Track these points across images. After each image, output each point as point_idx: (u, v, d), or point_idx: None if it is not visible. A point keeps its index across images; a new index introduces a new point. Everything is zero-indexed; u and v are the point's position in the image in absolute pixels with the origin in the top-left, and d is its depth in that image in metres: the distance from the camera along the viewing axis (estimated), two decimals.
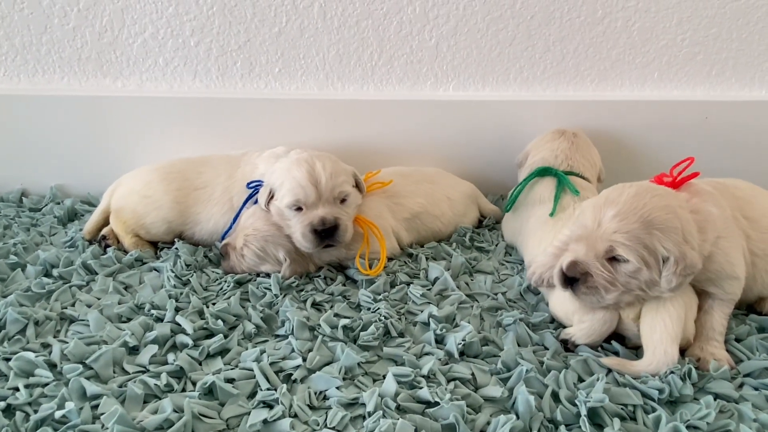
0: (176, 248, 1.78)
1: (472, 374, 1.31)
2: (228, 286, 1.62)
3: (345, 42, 1.97)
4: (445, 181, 1.95)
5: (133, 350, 1.37)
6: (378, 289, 1.60)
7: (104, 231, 1.84)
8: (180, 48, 1.97)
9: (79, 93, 2.00)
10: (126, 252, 1.79)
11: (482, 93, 2.05)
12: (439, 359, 1.34)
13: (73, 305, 1.53)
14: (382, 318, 1.45)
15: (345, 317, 1.49)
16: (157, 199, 1.81)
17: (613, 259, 1.33)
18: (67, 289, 1.58)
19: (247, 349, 1.38)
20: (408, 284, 1.64)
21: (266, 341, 1.44)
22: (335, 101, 2.03)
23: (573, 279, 1.36)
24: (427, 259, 1.75)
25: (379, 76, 2.03)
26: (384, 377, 1.30)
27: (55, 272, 1.65)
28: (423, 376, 1.28)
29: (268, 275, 1.69)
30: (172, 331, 1.42)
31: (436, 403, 1.20)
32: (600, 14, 1.94)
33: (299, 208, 1.62)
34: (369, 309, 1.53)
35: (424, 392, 1.22)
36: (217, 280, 1.68)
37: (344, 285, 1.66)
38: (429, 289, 1.61)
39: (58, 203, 2.08)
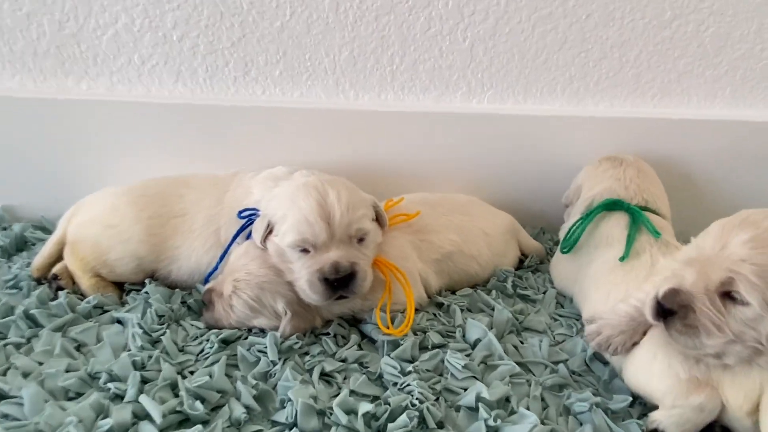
0: (146, 293, 1.41)
1: None
2: (211, 347, 1.26)
3: (361, 41, 1.63)
4: (480, 211, 1.61)
5: None
6: (404, 354, 1.24)
7: (56, 269, 1.47)
8: (160, 43, 1.62)
9: (35, 95, 1.63)
10: (82, 297, 1.42)
11: (523, 106, 1.72)
12: None
13: (4, 374, 1.16)
14: (416, 401, 1.10)
15: (364, 397, 1.14)
16: (125, 229, 1.44)
17: (728, 297, 1.01)
18: (1, 349, 1.21)
19: None
20: (441, 347, 1.29)
21: (261, 431, 1.07)
22: (347, 112, 1.68)
23: (669, 311, 1.04)
24: (462, 311, 1.40)
25: (400, 83, 1.69)
26: None
27: None
28: None
29: (262, 331, 1.33)
30: (134, 416, 1.05)
31: None
32: (669, 16, 1.62)
33: (305, 250, 1.26)
34: (395, 385, 1.17)
35: None
36: (196, 337, 1.31)
37: (360, 347, 1.30)
38: (468, 355, 1.26)
39: (4, 228, 1.70)
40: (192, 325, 1.35)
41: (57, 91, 1.65)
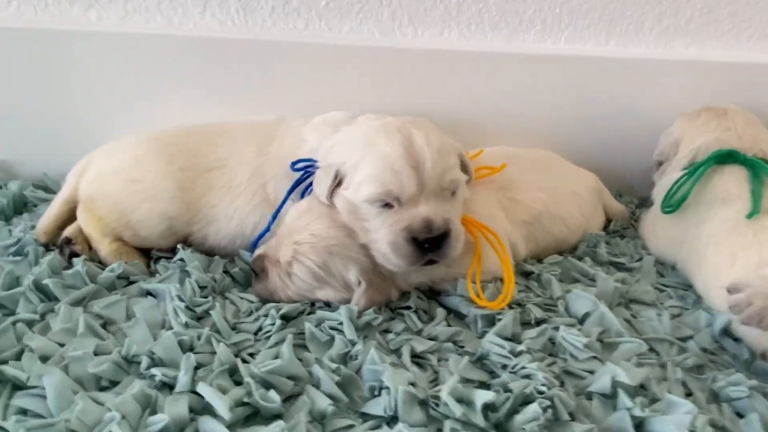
0: (181, 260, 1.17)
1: None
2: (272, 324, 1.03)
3: None
4: (564, 168, 1.40)
5: None
6: (505, 331, 1.03)
7: (68, 231, 1.21)
8: None
9: (35, 26, 1.36)
10: (102, 265, 1.17)
11: (605, 48, 1.50)
12: None
13: (18, 358, 0.91)
14: (542, 388, 0.88)
15: (476, 384, 0.92)
16: (151, 184, 1.20)
17: None
18: (9, 327, 0.96)
19: None
20: (542, 322, 1.08)
21: (351, 426, 0.86)
22: (404, 51, 1.44)
23: None
24: (560, 281, 1.19)
25: (466, 19, 1.45)
26: None
27: None
28: None
29: (327, 305, 1.10)
30: (191, 410, 0.82)
31: None
32: None
33: (388, 204, 1.03)
34: (504, 368, 0.96)
35: None
36: (250, 312, 1.08)
37: (448, 323, 1.08)
38: (580, 330, 1.05)
39: (0, 187, 1.43)
40: (242, 298, 1.12)
41: (61, 21, 1.37)
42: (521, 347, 0.98)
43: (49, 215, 1.25)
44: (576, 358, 0.99)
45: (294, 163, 1.17)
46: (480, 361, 0.99)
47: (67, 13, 1.37)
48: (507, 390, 0.88)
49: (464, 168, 1.13)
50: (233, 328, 1.03)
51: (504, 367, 0.96)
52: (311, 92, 1.43)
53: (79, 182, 1.24)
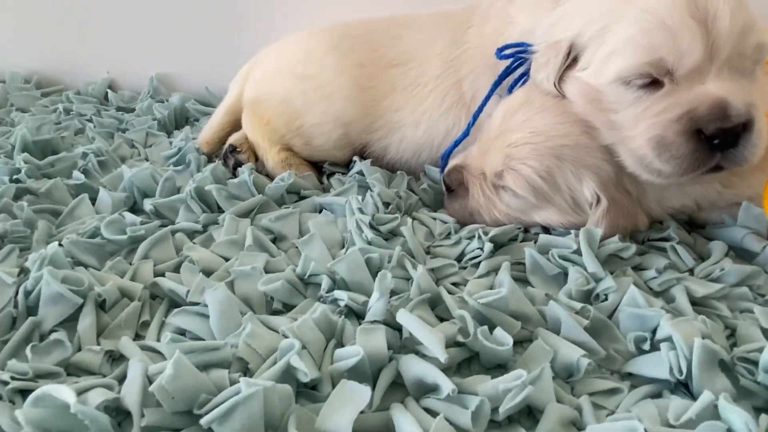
0: (359, 172, 0.95)
1: None
2: (478, 247, 0.77)
3: None
4: None
5: (306, 388, 0.56)
6: None
7: (233, 139, 1.05)
8: None
9: None
10: (270, 176, 1.00)
11: None
12: None
13: (176, 270, 0.75)
14: None
15: None
16: (326, 82, 0.99)
17: None
18: (168, 236, 0.81)
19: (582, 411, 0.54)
20: None
21: (616, 391, 0.58)
22: None
23: None
24: None
25: None
26: None
27: (147, 204, 0.88)
28: None
29: (546, 231, 0.82)
30: (390, 348, 0.60)
31: None
32: None
33: (655, 82, 0.72)
34: None
35: None
36: (448, 233, 0.83)
37: (731, 259, 0.76)
38: None
39: (161, 101, 1.32)
40: (434, 219, 0.87)
41: None
42: None
43: (212, 124, 1.11)
44: None
45: (501, 50, 0.89)
46: None
47: None
48: None
49: None
50: (428, 253, 0.80)
51: None
52: None
53: (244, 86, 1.08)
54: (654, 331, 0.62)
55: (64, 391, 0.51)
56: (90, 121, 1.21)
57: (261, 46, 1.16)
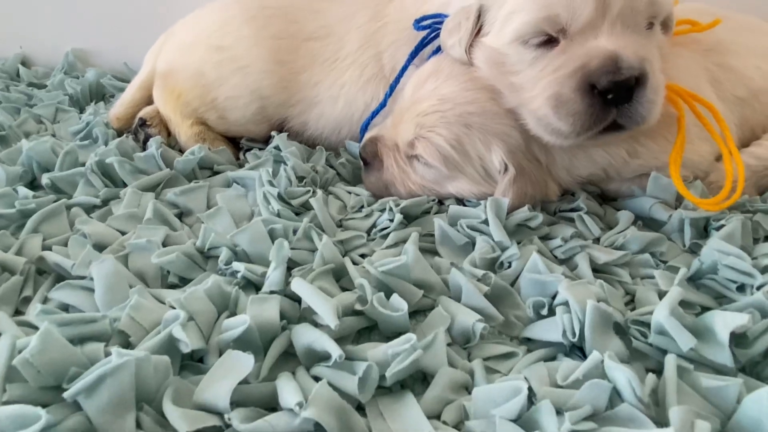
0: (276, 148, 0.93)
1: None
2: (389, 219, 0.76)
3: None
4: None
5: (192, 360, 0.54)
6: (732, 240, 0.69)
7: (143, 113, 1.01)
8: None
9: None
10: (181, 150, 0.96)
11: None
12: None
13: (67, 243, 0.71)
14: None
15: (697, 310, 0.61)
16: (242, 53, 0.96)
17: None
18: (62, 210, 0.76)
19: (474, 375, 0.53)
20: None
21: (512, 355, 0.57)
22: None
23: None
24: None
25: None
26: None
27: (45, 179, 0.83)
28: None
29: (462, 203, 0.81)
30: (283, 317, 0.57)
31: None
32: None
33: (550, 40, 0.71)
34: (741, 290, 0.63)
35: None
36: (360, 206, 0.82)
37: (638, 227, 0.76)
38: None
39: (76, 77, 1.26)
40: (349, 193, 0.85)
41: None
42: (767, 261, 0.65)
43: (123, 99, 1.06)
44: None
45: (418, 21, 0.88)
46: (695, 281, 0.67)
47: None
48: (766, 315, 0.56)
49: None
50: (339, 226, 0.78)
51: (741, 289, 0.63)
52: None
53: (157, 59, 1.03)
54: (554, 297, 0.62)
55: None
56: None
57: (180, 17, 1.12)
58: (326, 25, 0.98)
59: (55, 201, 0.78)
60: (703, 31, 0.85)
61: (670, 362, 0.52)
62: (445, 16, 0.86)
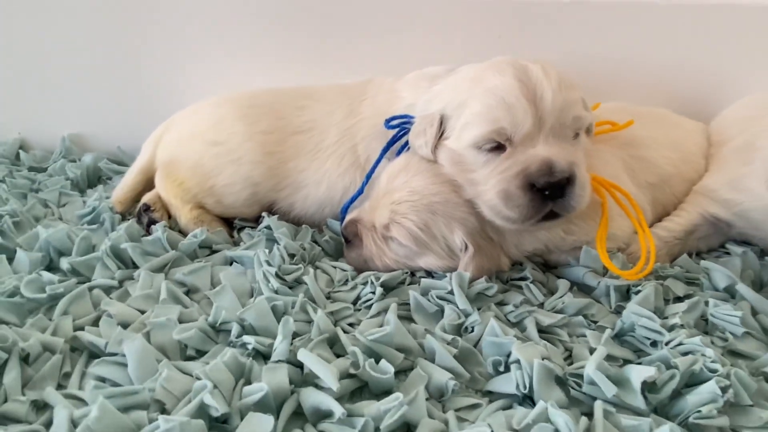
0: (267, 227, 1.06)
1: None
2: (372, 292, 0.90)
3: None
4: (692, 126, 1.21)
5: (217, 422, 0.66)
6: (647, 304, 0.87)
7: (146, 198, 1.13)
8: None
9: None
10: (183, 233, 1.08)
11: None
12: None
13: (95, 324, 0.82)
14: (714, 365, 0.72)
15: (620, 363, 0.77)
16: (235, 147, 1.10)
17: None
18: (86, 293, 0.88)
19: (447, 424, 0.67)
20: (688, 297, 0.91)
21: (477, 406, 0.72)
22: (499, 2, 1.30)
23: None
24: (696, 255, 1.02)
25: None
26: None
27: (64, 263, 0.94)
28: None
29: (430, 276, 0.97)
30: (292, 383, 0.70)
31: None
32: None
33: (499, 147, 0.89)
34: (655, 345, 0.80)
35: None
36: (345, 281, 0.96)
37: (574, 295, 0.93)
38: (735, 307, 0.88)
39: (73, 161, 1.37)
40: (334, 267, 1.00)
41: None
42: (675, 321, 0.82)
43: (124, 184, 1.18)
44: (736, 336, 0.82)
45: (388, 120, 1.05)
46: (619, 337, 0.84)
47: None
48: (670, 367, 0.72)
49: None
50: (328, 298, 0.92)
51: (654, 344, 0.80)
52: (403, 49, 1.31)
53: (156, 148, 1.17)
54: (509, 356, 0.77)
55: None
56: (2, 182, 1.25)
57: (170, 106, 1.25)
58: (309, 120, 1.14)
59: (77, 284, 0.89)
60: (620, 129, 1.05)
61: (598, 407, 0.68)
62: (411, 116, 1.03)
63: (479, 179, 0.90)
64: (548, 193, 0.85)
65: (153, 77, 1.36)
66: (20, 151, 1.39)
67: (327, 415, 0.67)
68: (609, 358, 0.76)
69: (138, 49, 1.37)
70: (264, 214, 1.10)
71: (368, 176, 1.05)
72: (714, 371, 0.71)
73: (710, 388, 0.68)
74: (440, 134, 0.95)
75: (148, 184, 1.17)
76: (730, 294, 0.92)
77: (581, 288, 0.96)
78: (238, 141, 1.10)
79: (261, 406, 0.67)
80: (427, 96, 1.02)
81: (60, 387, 0.73)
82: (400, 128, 1.04)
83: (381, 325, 0.83)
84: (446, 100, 0.95)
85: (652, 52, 1.32)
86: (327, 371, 0.69)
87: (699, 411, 0.66)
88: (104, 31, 1.33)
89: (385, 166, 1.03)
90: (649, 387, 0.71)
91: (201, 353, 0.79)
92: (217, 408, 0.65)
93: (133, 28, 1.33)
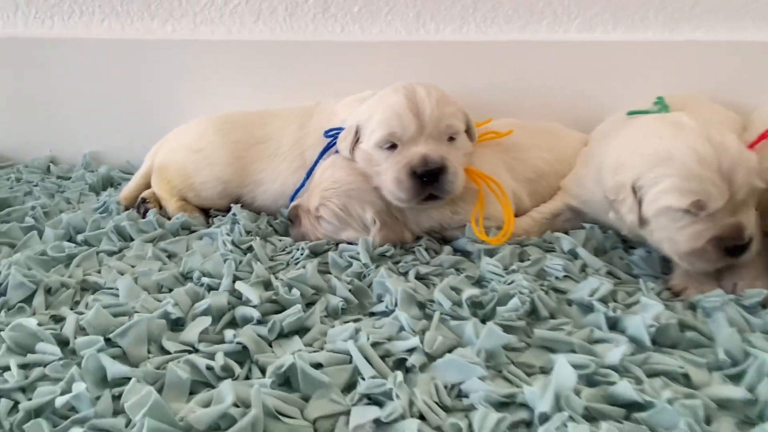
0: (233, 214, 1.39)
1: (682, 368, 0.85)
2: (301, 254, 1.22)
3: None
4: (568, 134, 1.52)
5: (177, 324, 0.97)
6: (503, 261, 1.16)
7: (144, 194, 1.47)
8: None
9: (122, 37, 1.69)
10: (169, 217, 1.42)
11: (613, 35, 1.64)
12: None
13: (99, 272, 1.15)
14: (525, 291, 1.02)
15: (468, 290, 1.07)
16: (211, 153, 1.44)
17: None
18: (93, 254, 1.21)
19: (333, 327, 0.97)
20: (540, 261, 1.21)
21: (359, 319, 1.02)
22: (427, 44, 1.65)
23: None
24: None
25: (482, 14, 1.65)
26: (541, 369, 0.87)
27: (79, 237, 1.28)
28: (610, 368, 0.84)
29: (351, 244, 1.28)
30: (230, 303, 1.02)
31: (645, 406, 0.76)
32: None
33: (393, 146, 1.21)
34: (500, 281, 1.09)
35: (623, 388, 0.78)
36: (286, 248, 1.28)
37: (455, 255, 1.23)
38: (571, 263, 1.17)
39: (92, 171, 1.73)
40: (280, 240, 1.32)
41: (143, 33, 1.69)
42: (514, 267, 1.12)
43: (130, 185, 1.52)
44: (559, 279, 1.11)
45: (327, 132, 1.39)
46: (478, 283, 1.13)
47: (149, 26, 1.68)
48: (492, 291, 1.02)
49: (468, 129, 1.30)
50: (271, 259, 1.23)
51: (500, 281, 1.10)
52: (348, 83, 1.64)
53: (155, 157, 1.51)
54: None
55: (30, 321, 0.90)
56: (36, 186, 1.61)
57: (168, 128, 1.60)
58: (269, 133, 1.47)
59: (87, 249, 1.23)
60: (501, 137, 1.37)
61: (436, 315, 0.97)
62: (342, 128, 1.36)
63: (381, 171, 1.23)
64: (426, 179, 1.17)
65: (155, 108, 1.71)
66: (50, 164, 1.75)
67: (250, 320, 0.98)
68: (457, 290, 1.05)
69: (145, 85, 1.72)
70: (233, 205, 1.43)
71: (308, 173, 1.38)
72: (523, 293, 1.00)
73: (515, 301, 0.98)
74: (356, 140, 1.28)
75: (148, 187, 1.51)
76: (574, 256, 1.21)
77: (465, 255, 1.26)
78: (213, 148, 1.44)
79: (205, 313, 0.98)
80: (354, 113, 1.35)
81: (73, 306, 1.05)
82: (334, 137, 1.38)
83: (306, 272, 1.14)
84: (362, 115, 1.28)
85: (548, 81, 1.64)
86: (252, 291, 1.01)
87: (503, 317, 0.96)
88: (118, 71, 1.70)
89: (322, 163, 1.36)
90: (477, 304, 1.00)
91: (172, 290, 1.11)
92: (175, 314, 0.96)
93: (141, 69, 1.70)
